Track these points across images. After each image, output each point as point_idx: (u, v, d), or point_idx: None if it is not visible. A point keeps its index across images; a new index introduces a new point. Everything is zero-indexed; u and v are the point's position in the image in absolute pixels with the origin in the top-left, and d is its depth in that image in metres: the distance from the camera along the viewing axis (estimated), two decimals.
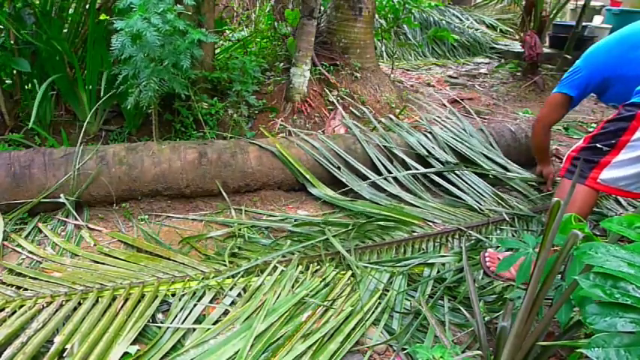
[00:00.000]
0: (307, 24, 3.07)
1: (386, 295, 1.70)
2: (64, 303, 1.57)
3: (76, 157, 2.15)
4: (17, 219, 2.06)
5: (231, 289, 1.69)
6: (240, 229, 2.10)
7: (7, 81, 2.74)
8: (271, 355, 1.42)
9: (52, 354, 1.36)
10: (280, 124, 3.03)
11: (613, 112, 1.84)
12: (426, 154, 2.60)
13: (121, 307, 1.56)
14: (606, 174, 1.78)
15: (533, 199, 2.47)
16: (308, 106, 3.19)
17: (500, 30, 7.41)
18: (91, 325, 1.47)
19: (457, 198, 2.42)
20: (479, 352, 1.32)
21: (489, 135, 2.82)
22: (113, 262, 1.83)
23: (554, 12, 4.97)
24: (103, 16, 2.17)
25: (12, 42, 2.52)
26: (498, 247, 1.92)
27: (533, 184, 2.59)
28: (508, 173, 2.59)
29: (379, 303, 1.65)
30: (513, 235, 2.19)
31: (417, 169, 2.54)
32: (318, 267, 1.85)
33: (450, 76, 5.27)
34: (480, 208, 2.33)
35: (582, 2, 4.91)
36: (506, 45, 6.67)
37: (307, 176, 2.41)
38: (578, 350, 0.95)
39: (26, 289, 1.63)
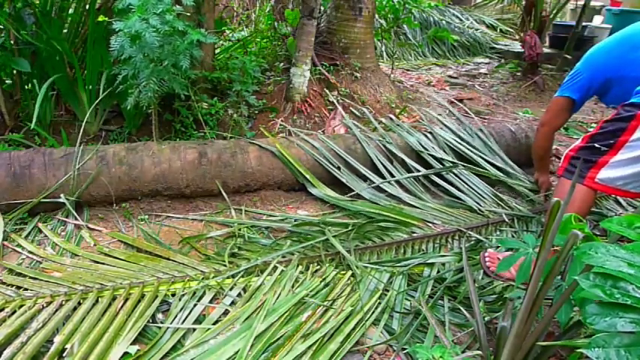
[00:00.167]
0: (307, 24, 3.07)
1: (386, 295, 1.70)
2: (63, 303, 1.57)
3: (76, 157, 2.15)
4: (17, 219, 2.06)
5: (231, 289, 1.69)
6: (240, 229, 2.10)
7: (7, 81, 2.74)
8: (271, 355, 1.42)
9: (52, 354, 1.36)
10: (280, 124, 3.03)
11: (612, 113, 1.83)
12: (426, 153, 2.60)
13: (121, 307, 1.57)
14: (604, 174, 1.78)
15: (533, 200, 2.47)
16: (308, 106, 3.19)
17: (500, 30, 7.41)
18: (91, 325, 1.47)
19: (457, 199, 2.42)
20: (479, 352, 1.32)
21: (489, 135, 2.82)
22: (113, 262, 1.83)
23: (554, 12, 4.97)
24: (101, 18, 2.16)
25: (12, 42, 2.52)
26: (498, 247, 1.92)
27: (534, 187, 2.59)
28: (509, 180, 2.57)
29: (379, 303, 1.65)
30: (513, 236, 2.19)
31: (417, 170, 2.54)
32: (318, 267, 1.85)
33: (450, 76, 5.27)
34: (479, 209, 2.33)
35: (582, 2, 4.91)
36: (506, 45, 6.67)
37: (307, 176, 2.41)
38: (578, 350, 0.95)
39: (26, 289, 1.63)
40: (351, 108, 3.30)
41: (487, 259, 1.74)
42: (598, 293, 0.95)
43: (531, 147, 2.59)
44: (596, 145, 1.79)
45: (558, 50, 5.44)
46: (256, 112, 3.14)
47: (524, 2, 4.95)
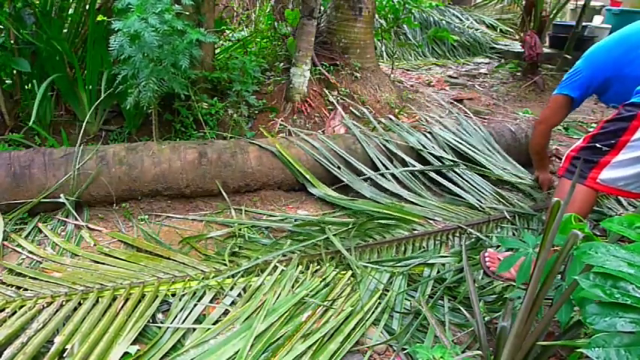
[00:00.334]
0: (307, 24, 3.07)
1: (386, 295, 1.70)
2: (64, 303, 1.57)
3: (76, 157, 2.15)
4: (17, 219, 2.06)
5: (231, 289, 1.69)
6: (240, 229, 2.10)
7: (7, 81, 2.74)
8: (271, 355, 1.42)
9: (53, 354, 1.36)
10: (280, 124, 3.03)
11: (613, 112, 1.83)
12: (426, 152, 2.60)
13: (121, 307, 1.57)
14: (606, 174, 1.77)
15: (534, 197, 2.47)
16: (308, 106, 3.19)
17: (500, 30, 7.41)
18: (91, 325, 1.47)
19: (458, 196, 2.42)
20: (479, 352, 1.32)
21: (489, 135, 2.82)
22: (113, 262, 1.83)
23: (554, 12, 4.97)
24: (100, 17, 2.16)
25: (12, 42, 2.51)
26: (498, 246, 1.92)
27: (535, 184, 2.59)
28: (510, 178, 2.58)
29: (379, 303, 1.65)
30: (514, 234, 2.20)
31: (420, 173, 2.54)
32: (318, 267, 1.85)
33: (450, 76, 5.27)
34: (480, 206, 2.34)
35: (582, 2, 4.91)
36: (506, 45, 6.67)
37: (307, 176, 2.41)
38: (578, 350, 0.95)
39: (26, 290, 1.63)
40: (351, 108, 3.30)
41: (487, 259, 1.74)
42: (598, 293, 0.95)
43: (529, 145, 2.59)
44: (598, 145, 1.79)
45: (558, 50, 5.44)
46: (256, 112, 3.14)
47: (524, 2, 4.95)
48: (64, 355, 1.37)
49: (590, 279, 0.97)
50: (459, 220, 2.21)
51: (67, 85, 2.69)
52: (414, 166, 2.55)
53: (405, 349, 1.48)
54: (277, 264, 1.82)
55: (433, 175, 2.53)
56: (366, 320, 1.57)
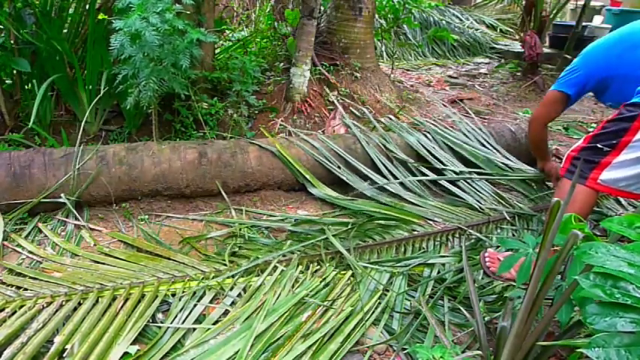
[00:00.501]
0: (307, 24, 3.07)
1: (386, 295, 1.70)
2: (64, 303, 1.57)
3: (76, 157, 2.15)
4: (17, 219, 2.06)
5: (231, 289, 1.69)
6: (240, 229, 2.10)
7: (7, 81, 2.74)
8: (271, 355, 1.41)
9: (52, 354, 1.36)
10: (280, 124, 3.03)
11: (613, 112, 1.82)
12: (426, 152, 2.60)
13: (121, 307, 1.56)
14: (607, 175, 1.76)
15: (534, 198, 2.47)
16: (308, 106, 3.19)
17: (500, 30, 7.41)
18: (91, 325, 1.47)
19: (457, 197, 2.42)
20: (479, 352, 1.32)
21: (489, 135, 2.82)
22: (113, 262, 1.83)
23: (554, 12, 4.97)
24: (101, 16, 2.16)
25: (12, 42, 2.51)
26: (498, 246, 1.92)
27: (533, 184, 2.59)
28: (512, 174, 2.58)
29: (379, 303, 1.65)
30: (514, 235, 2.19)
31: (417, 169, 2.54)
32: (318, 267, 1.85)
33: (450, 76, 5.27)
34: (480, 207, 2.33)
35: (582, 2, 4.91)
36: (506, 45, 6.67)
37: (307, 176, 2.41)
38: (578, 350, 0.95)
39: (26, 290, 1.63)
40: (351, 108, 3.30)
41: (487, 259, 1.74)
42: (598, 293, 0.95)
43: (528, 142, 2.59)
44: (599, 146, 1.78)
45: (558, 50, 5.44)
46: (256, 112, 3.14)
47: (524, 2, 4.95)
48: (64, 355, 1.37)
49: (591, 279, 0.97)
50: (458, 221, 2.21)
51: (67, 85, 2.69)
52: (415, 166, 2.55)
53: (405, 349, 1.48)
54: (277, 264, 1.82)
55: (432, 174, 2.53)
56: (366, 320, 1.57)
